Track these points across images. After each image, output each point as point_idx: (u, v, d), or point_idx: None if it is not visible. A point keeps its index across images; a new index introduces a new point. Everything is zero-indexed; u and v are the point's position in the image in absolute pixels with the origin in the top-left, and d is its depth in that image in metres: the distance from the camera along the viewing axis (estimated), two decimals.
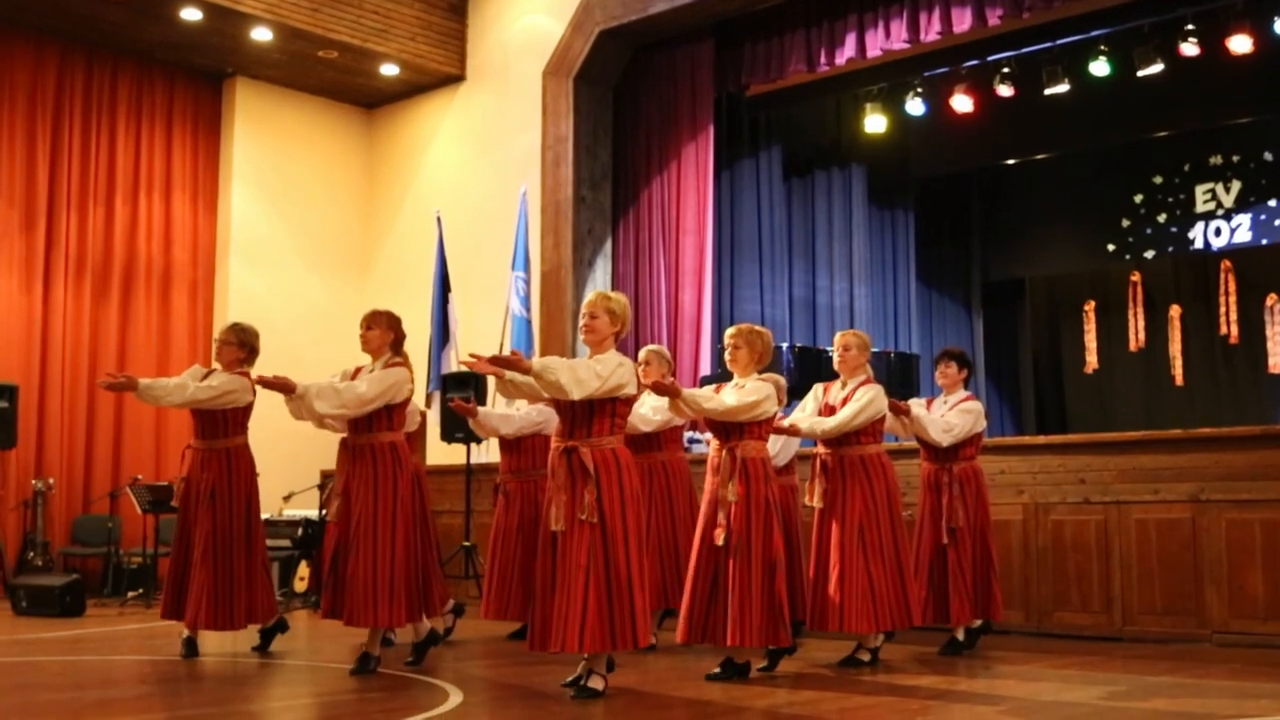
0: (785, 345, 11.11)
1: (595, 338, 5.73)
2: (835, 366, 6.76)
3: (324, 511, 10.65)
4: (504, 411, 8.23)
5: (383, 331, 6.61)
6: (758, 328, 6.41)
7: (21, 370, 11.37)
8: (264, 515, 11.06)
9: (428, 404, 11.15)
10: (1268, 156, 12.61)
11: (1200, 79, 11.16)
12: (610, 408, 5.59)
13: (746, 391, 6.09)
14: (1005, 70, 11.32)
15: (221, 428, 7.12)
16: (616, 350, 5.76)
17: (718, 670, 6.11)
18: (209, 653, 7.16)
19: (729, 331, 6.38)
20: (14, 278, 11.55)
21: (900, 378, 11.35)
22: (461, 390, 10.69)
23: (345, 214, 13.48)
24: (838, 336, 6.82)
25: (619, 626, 5.41)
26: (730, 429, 6.12)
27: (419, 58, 12.45)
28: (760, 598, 5.94)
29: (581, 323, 5.80)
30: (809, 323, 12.83)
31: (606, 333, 5.74)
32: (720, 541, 5.98)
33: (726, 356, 6.35)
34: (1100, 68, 10.88)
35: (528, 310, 11.22)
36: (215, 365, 7.25)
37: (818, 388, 6.88)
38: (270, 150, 12.99)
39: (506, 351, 11.02)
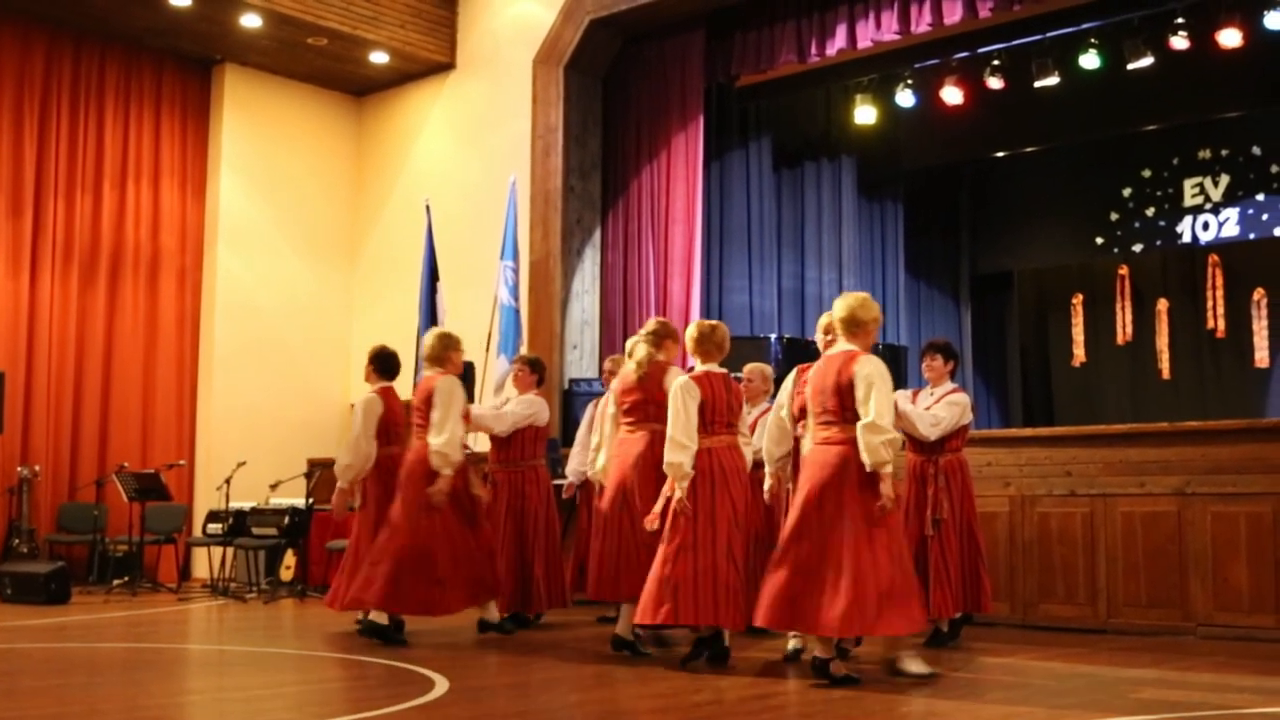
0: (774, 336, 11.10)
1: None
2: (822, 349, 6.52)
3: (310, 500, 10.65)
4: (496, 410, 8.21)
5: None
6: (708, 323, 6.53)
7: (8, 357, 11.32)
8: (250, 504, 11.12)
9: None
10: (1256, 151, 12.62)
11: (1190, 73, 11.14)
12: None
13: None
14: (995, 62, 11.30)
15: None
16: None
17: (689, 651, 6.20)
18: (193, 641, 7.15)
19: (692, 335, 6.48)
20: (1, 265, 11.49)
21: (888, 369, 11.33)
22: None
23: (334, 202, 13.44)
24: (826, 320, 6.47)
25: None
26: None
27: (409, 45, 12.41)
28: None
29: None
30: (797, 314, 12.82)
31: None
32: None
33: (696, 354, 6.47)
34: (1090, 61, 10.87)
35: (516, 300, 11.20)
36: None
37: (795, 374, 6.49)
38: (259, 137, 12.94)
39: (494, 342, 11.06)
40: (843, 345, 5.87)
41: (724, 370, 6.48)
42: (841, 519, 5.59)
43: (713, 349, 6.42)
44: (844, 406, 5.70)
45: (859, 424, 5.60)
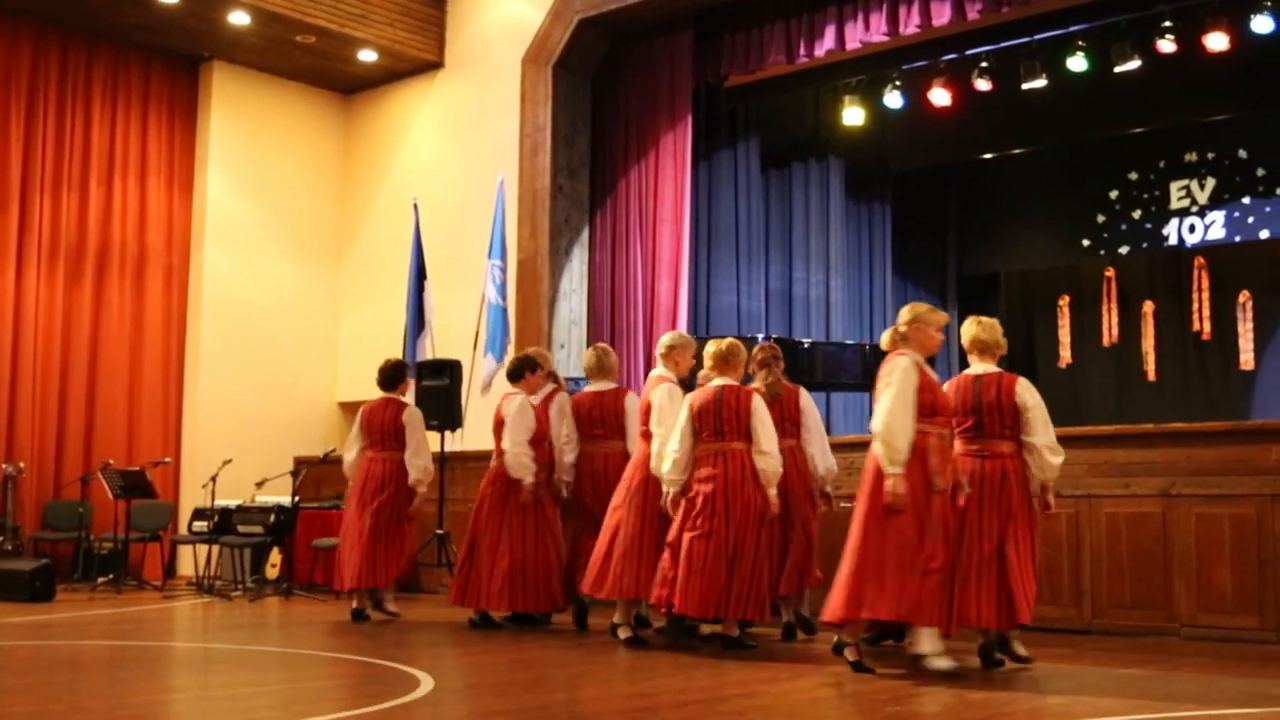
0: (761, 336, 11.11)
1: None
2: (936, 347, 6.47)
3: (296, 498, 10.63)
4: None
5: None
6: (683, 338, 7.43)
7: None
8: (236, 502, 11.10)
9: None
10: (1242, 154, 12.67)
11: (1177, 76, 11.19)
12: None
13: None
14: (983, 64, 11.33)
15: None
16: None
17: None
18: (178, 639, 7.13)
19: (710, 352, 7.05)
20: None
21: (875, 370, 11.34)
22: (436, 378, 10.68)
23: (321, 200, 13.41)
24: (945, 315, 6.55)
25: None
26: None
27: (398, 44, 12.39)
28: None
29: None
30: (785, 314, 12.85)
31: None
32: None
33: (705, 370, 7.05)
34: (1078, 63, 10.91)
35: (504, 299, 11.20)
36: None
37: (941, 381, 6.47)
38: (246, 135, 12.91)
39: (482, 340, 11.06)
40: (983, 366, 6.39)
41: (723, 383, 6.88)
42: (1005, 524, 6.09)
43: (719, 363, 7.00)
44: (1003, 424, 6.23)
45: (1039, 442, 6.16)
